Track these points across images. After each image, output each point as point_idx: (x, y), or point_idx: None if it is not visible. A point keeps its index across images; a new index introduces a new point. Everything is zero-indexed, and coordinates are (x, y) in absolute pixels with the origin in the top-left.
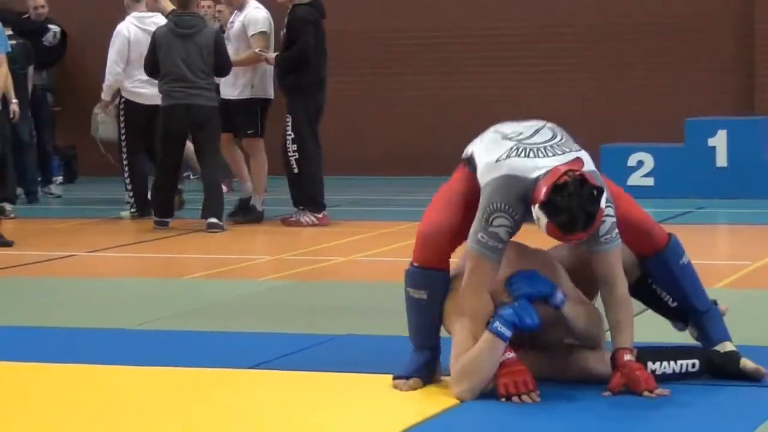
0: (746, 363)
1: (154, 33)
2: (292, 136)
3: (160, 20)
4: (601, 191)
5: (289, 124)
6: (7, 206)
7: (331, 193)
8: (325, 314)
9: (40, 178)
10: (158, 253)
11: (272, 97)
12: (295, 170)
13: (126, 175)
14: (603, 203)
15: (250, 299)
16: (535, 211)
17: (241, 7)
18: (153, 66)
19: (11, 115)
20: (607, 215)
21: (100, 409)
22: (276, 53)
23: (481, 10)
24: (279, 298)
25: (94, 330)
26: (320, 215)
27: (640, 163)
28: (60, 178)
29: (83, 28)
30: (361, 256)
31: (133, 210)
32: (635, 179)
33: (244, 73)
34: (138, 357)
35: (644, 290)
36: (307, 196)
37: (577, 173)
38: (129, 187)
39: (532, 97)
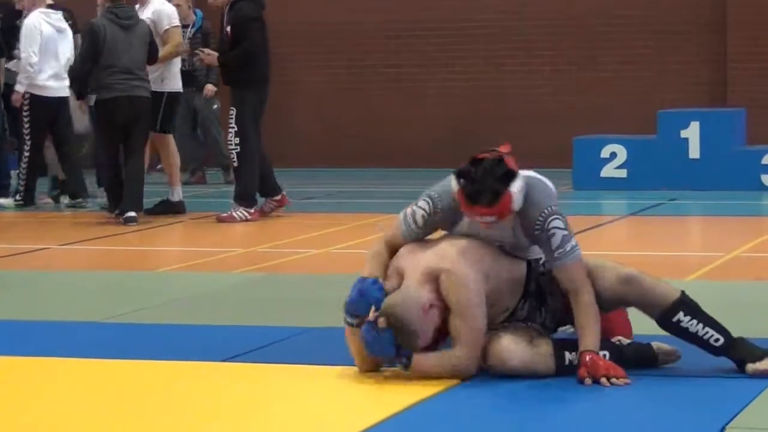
0: (660, 346)
1: (94, 25)
2: (235, 129)
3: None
4: (514, 175)
5: (233, 116)
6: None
7: (307, 186)
8: (299, 307)
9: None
10: (130, 246)
11: (181, 91)
12: (236, 163)
13: (24, 167)
14: (516, 188)
15: (223, 292)
16: (453, 180)
17: (143, 1)
18: (96, 58)
19: None
20: (556, 227)
21: (66, 402)
22: (216, 53)
23: (455, 3)
24: (252, 290)
25: (64, 323)
26: (252, 210)
27: (613, 155)
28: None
29: None
30: (336, 248)
31: (18, 198)
32: (608, 171)
33: (156, 67)
34: (108, 350)
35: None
36: (242, 191)
37: (497, 154)
38: (23, 177)
39: (507, 89)
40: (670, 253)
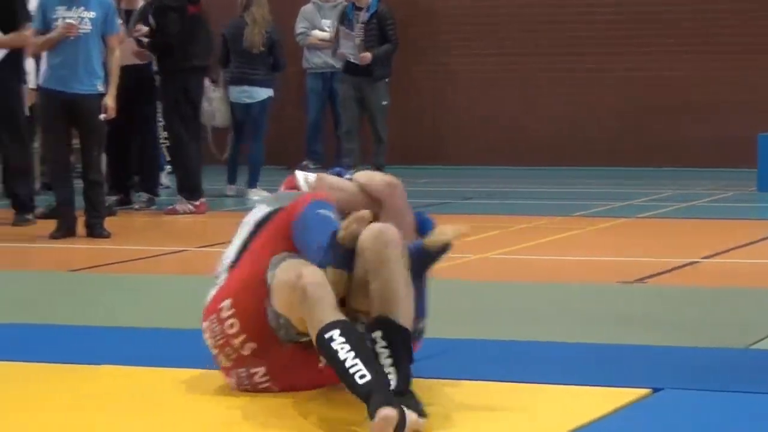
0: None
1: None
2: (163, 123)
3: None
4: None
5: (160, 110)
6: (144, 196)
7: (465, 185)
8: (451, 317)
9: None
10: None
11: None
12: (167, 158)
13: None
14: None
15: None
16: None
17: None
18: None
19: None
20: None
21: (199, 416)
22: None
23: None
24: None
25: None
26: (197, 203)
27: None
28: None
29: None
30: (495, 253)
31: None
32: None
33: None
34: None
35: None
36: (181, 184)
37: None
38: None
39: (682, 78)
40: None
